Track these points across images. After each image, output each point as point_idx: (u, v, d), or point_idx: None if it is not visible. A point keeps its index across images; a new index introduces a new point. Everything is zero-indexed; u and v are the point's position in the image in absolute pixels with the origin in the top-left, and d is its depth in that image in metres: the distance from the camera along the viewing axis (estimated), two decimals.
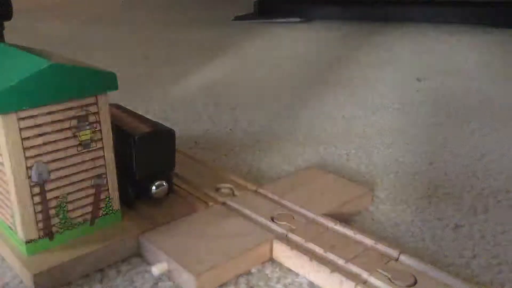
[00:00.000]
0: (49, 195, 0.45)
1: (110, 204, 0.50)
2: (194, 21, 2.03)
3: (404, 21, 1.87)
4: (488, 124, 0.86)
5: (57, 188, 0.46)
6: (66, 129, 0.45)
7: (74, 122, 0.45)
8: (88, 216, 0.49)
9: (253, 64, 1.30)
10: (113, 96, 0.52)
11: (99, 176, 0.48)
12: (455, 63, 1.29)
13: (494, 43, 1.52)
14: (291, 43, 1.57)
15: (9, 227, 0.48)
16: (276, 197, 0.56)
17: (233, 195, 0.58)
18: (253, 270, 0.48)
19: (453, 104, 0.97)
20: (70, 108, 0.45)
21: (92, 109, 0.46)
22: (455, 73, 1.19)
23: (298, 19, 1.96)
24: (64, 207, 0.47)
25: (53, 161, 0.45)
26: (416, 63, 1.29)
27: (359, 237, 0.48)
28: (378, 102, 0.98)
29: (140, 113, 0.59)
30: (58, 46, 1.49)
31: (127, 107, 0.62)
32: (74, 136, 0.46)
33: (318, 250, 0.46)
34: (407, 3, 1.90)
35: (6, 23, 0.90)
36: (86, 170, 0.47)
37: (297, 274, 0.47)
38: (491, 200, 0.61)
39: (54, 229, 0.47)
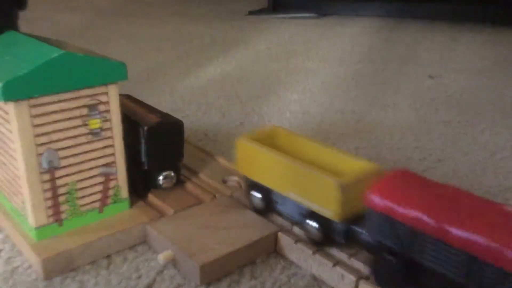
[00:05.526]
0: (59, 182, 0.46)
1: (118, 192, 0.51)
2: (208, 15, 2.03)
3: (419, 18, 1.86)
4: (499, 123, 0.85)
5: (67, 175, 0.47)
6: (77, 117, 0.46)
7: (84, 111, 0.46)
8: (97, 204, 0.50)
9: (265, 59, 1.30)
10: (125, 87, 0.52)
11: (108, 164, 0.49)
12: (469, 61, 1.28)
13: (509, 42, 1.51)
14: (304, 38, 1.57)
15: (20, 212, 0.49)
16: None
17: (240, 187, 0.58)
18: (258, 261, 0.48)
19: (465, 101, 0.96)
20: (81, 97, 0.45)
21: (103, 98, 0.47)
22: (468, 70, 1.18)
23: (312, 15, 1.95)
24: (74, 194, 0.48)
25: (63, 148, 0.46)
26: (429, 60, 1.28)
27: None
28: (389, 98, 0.98)
29: (151, 105, 0.60)
30: (71, 37, 1.51)
31: (138, 98, 0.62)
32: (85, 125, 0.46)
33: None
34: (422, 0, 1.88)
35: (21, 13, 0.91)
36: (96, 159, 0.48)
37: (300, 266, 0.47)
38: (500, 198, 0.61)
39: (63, 215, 0.48)
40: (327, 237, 0.45)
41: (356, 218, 0.43)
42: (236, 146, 0.51)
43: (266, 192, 0.50)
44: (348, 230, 0.44)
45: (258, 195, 0.51)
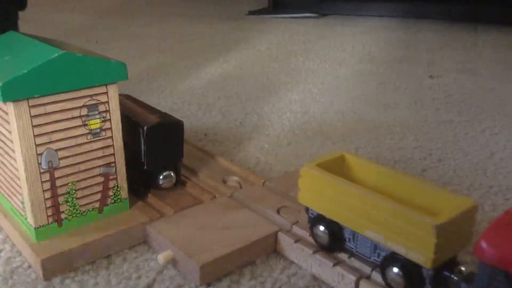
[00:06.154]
0: (58, 182, 0.46)
1: (118, 192, 0.51)
2: (209, 15, 2.03)
3: (419, 18, 1.86)
4: (499, 123, 0.85)
5: (67, 175, 0.47)
6: (76, 117, 0.46)
7: (84, 111, 0.46)
8: (97, 204, 0.50)
9: (265, 59, 1.30)
10: (125, 88, 0.52)
11: (108, 164, 0.49)
12: (469, 61, 1.28)
13: (509, 42, 1.51)
14: (304, 38, 1.57)
15: (19, 212, 0.49)
16: (282, 191, 0.56)
17: (240, 187, 0.58)
18: (258, 261, 0.48)
19: (465, 101, 0.96)
20: (80, 97, 0.45)
21: (102, 98, 0.47)
22: (468, 70, 1.18)
23: (312, 15, 1.95)
24: (73, 194, 0.48)
25: (63, 148, 0.46)
26: (429, 60, 1.28)
27: None
28: (389, 98, 0.98)
29: (151, 105, 0.60)
30: (71, 37, 1.51)
31: (138, 98, 0.62)
32: (84, 125, 0.46)
33: None
34: (425, 0, 1.88)
35: (20, 13, 0.91)
36: (95, 159, 0.48)
37: (300, 266, 0.47)
38: (499, 198, 0.60)
39: (63, 215, 0.48)
40: (412, 283, 0.39)
41: (447, 261, 0.39)
42: (301, 175, 0.46)
43: (335, 228, 0.44)
44: (438, 276, 0.39)
45: (324, 230, 0.45)
